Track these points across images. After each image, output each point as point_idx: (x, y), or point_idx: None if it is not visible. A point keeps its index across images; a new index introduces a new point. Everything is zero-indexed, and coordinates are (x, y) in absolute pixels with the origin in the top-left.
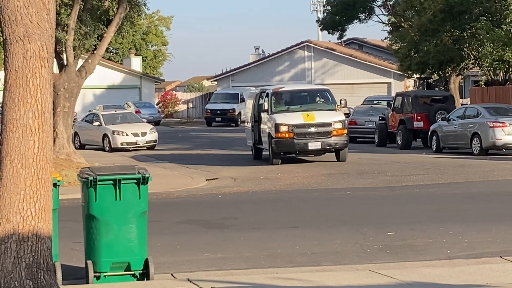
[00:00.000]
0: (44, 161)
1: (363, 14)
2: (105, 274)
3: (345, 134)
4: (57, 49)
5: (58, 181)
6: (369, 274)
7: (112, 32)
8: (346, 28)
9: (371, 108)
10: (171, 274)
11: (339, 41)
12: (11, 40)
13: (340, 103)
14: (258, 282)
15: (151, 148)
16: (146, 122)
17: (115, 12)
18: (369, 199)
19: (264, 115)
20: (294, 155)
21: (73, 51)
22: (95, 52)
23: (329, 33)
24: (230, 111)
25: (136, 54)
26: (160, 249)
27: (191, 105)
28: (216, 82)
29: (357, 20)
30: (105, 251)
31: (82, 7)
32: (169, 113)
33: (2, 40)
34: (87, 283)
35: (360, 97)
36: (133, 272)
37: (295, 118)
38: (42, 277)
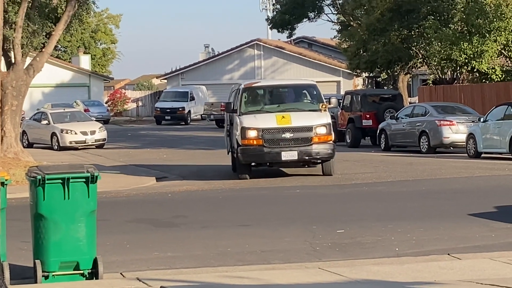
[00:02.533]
0: None
1: (313, 13)
2: (53, 273)
3: (330, 142)
4: (5, 47)
5: (6, 180)
6: (319, 272)
7: (61, 30)
8: (296, 27)
9: None
10: (121, 273)
11: (289, 39)
12: None
13: (329, 103)
14: (208, 280)
15: (100, 146)
16: (95, 120)
17: (64, 10)
18: (318, 197)
19: (234, 117)
20: (268, 166)
21: (21, 49)
22: (43, 50)
23: (278, 31)
24: (180, 109)
25: (85, 52)
26: (109, 248)
27: (140, 103)
28: (165, 81)
29: (307, 19)
30: (54, 251)
31: (30, 4)
32: (119, 111)
33: None
34: (36, 282)
35: None
36: (82, 272)
37: (267, 120)
38: None
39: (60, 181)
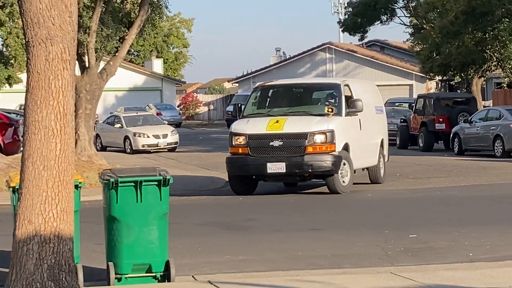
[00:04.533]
0: (66, 163)
1: (385, 15)
2: (126, 275)
3: (330, 153)
4: (79, 52)
5: (80, 183)
6: (391, 277)
7: (134, 35)
8: (368, 30)
9: (393, 110)
10: (192, 276)
11: (361, 43)
12: (33, 42)
13: (331, 108)
14: (279, 284)
15: (172, 150)
16: (167, 124)
17: (137, 14)
18: (389, 201)
19: None
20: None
21: (95, 53)
22: (116, 54)
23: (350, 34)
24: None
25: (157, 56)
26: (181, 251)
27: (212, 107)
28: (237, 84)
29: (379, 22)
30: (126, 253)
31: (104, 9)
32: (190, 115)
33: (24, 42)
34: (109, 284)
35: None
36: (154, 274)
37: (257, 125)
38: (64, 279)
39: (132, 184)
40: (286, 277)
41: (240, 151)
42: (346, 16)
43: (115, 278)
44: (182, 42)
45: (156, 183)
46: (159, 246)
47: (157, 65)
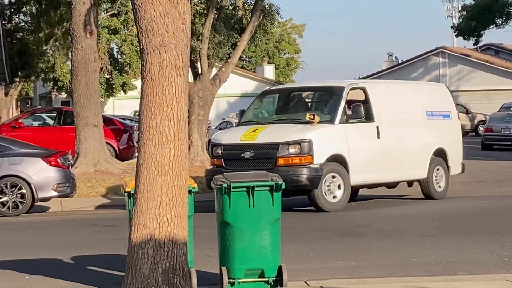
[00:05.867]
0: (179, 168)
1: (500, 19)
2: (239, 280)
3: (307, 165)
4: (192, 58)
5: (193, 188)
6: (507, 284)
7: (246, 41)
8: (482, 34)
9: (508, 115)
10: (305, 282)
11: (475, 47)
12: (147, 49)
13: (312, 115)
14: None
15: None
16: None
17: (249, 21)
18: (506, 207)
19: None
20: None
21: (207, 59)
22: (228, 60)
23: (464, 39)
24: None
25: (269, 62)
26: (293, 256)
27: None
28: None
29: (494, 25)
30: (239, 258)
31: (216, 16)
32: None
33: (139, 49)
34: None
35: (497, 104)
36: (266, 279)
37: (235, 135)
38: (178, 283)
39: (245, 189)
40: (400, 283)
41: (216, 162)
42: (460, 20)
43: (228, 282)
44: (294, 48)
45: (268, 188)
46: (272, 251)
47: (269, 71)
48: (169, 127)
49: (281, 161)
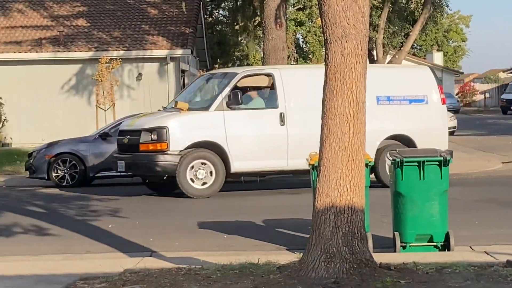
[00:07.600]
0: (357, 144)
1: None
2: (410, 244)
3: (163, 152)
4: (368, 47)
5: (369, 162)
6: None
7: (417, 31)
8: None
9: None
10: (470, 247)
11: None
12: (331, 39)
13: (177, 102)
14: None
15: (451, 133)
16: (447, 110)
17: (420, 13)
18: None
19: None
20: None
21: (382, 48)
22: (401, 48)
23: None
24: None
25: (438, 50)
26: (459, 224)
27: (487, 95)
28: (511, 74)
29: None
30: (410, 224)
31: (391, 9)
32: (467, 102)
33: (323, 39)
34: (395, 251)
35: None
36: (435, 244)
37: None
38: (356, 245)
39: (416, 163)
40: None
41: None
42: None
43: (400, 246)
44: (461, 37)
45: (437, 163)
46: (440, 219)
47: (438, 58)
48: (349, 108)
49: (141, 148)
